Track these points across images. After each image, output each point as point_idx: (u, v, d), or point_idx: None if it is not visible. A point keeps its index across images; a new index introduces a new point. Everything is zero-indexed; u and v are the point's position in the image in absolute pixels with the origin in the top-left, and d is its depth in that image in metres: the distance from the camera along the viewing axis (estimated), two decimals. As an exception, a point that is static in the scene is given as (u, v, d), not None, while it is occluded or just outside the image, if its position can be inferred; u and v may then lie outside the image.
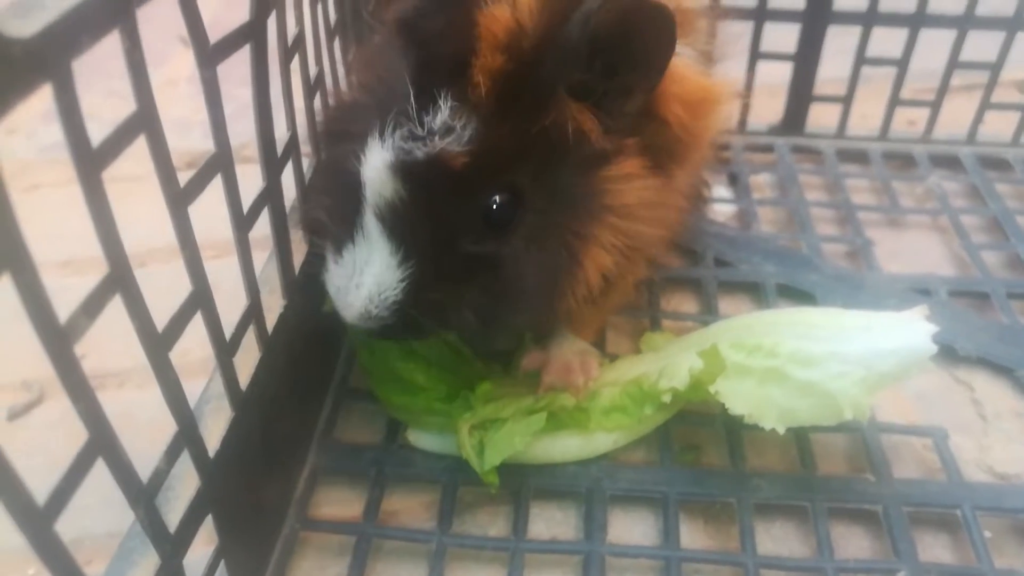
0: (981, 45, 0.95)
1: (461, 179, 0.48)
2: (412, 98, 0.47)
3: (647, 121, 0.53)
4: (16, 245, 0.28)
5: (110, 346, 0.35)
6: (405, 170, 0.48)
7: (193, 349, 0.48)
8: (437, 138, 0.47)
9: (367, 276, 0.50)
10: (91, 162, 0.32)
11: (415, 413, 0.64)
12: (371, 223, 0.50)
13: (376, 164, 0.49)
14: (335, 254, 0.52)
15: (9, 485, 0.29)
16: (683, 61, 0.56)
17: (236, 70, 0.48)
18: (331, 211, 0.54)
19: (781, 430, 0.59)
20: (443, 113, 0.47)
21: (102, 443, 0.35)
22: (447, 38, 0.48)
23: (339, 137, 0.56)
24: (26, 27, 0.27)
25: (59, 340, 0.31)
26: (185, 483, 0.45)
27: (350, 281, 0.51)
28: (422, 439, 0.65)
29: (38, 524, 0.31)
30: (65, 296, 0.32)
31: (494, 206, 0.50)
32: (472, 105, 0.47)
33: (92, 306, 0.33)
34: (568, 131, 0.49)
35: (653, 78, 0.51)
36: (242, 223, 0.48)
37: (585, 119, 0.50)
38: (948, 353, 0.74)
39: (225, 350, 0.47)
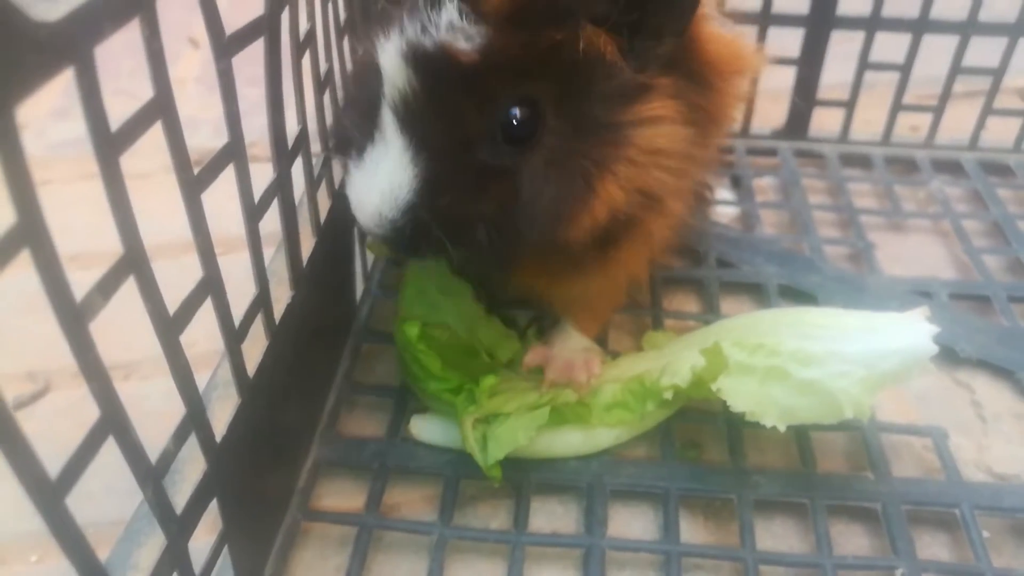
0: (984, 51, 0.95)
1: (473, 80, 0.48)
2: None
3: (681, 67, 0.54)
4: (36, 222, 0.29)
5: (117, 338, 0.35)
6: (416, 59, 0.48)
7: (199, 341, 0.49)
8: (445, 32, 0.48)
9: (381, 173, 0.50)
10: (110, 146, 0.33)
11: (429, 396, 0.65)
12: (387, 118, 0.50)
13: (390, 52, 0.49)
14: (357, 158, 0.52)
15: (23, 458, 0.30)
16: (715, 24, 0.57)
17: (246, 69, 0.49)
18: (356, 120, 0.54)
19: (782, 428, 0.59)
20: (449, 11, 0.48)
21: (113, 422, 0.36)
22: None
23: (360, 89, 0.57)
24: (52, 11, 0.28)
25: (75, 318, 0.32)
26: (192, 466, 0.46)
27: (363, 185, 0.51)
28: (425, 431, 0.66)
29: (50, 498, 0.32)
30: (74, 288, 0.32)
31: (513, 119, 0.50)
32: (483, 12, 0.48)
33: (107, 286, 0.34)
34: (588, 53, 0.49)
35: (681, 20, 0.51)
36: (253, 212, 0.48)
37: (604, 43, 0.50)
38: (949, 355, 0.74)
39: (234, 336, 0.47)
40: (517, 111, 0.50)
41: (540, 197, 0.51)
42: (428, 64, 0.48)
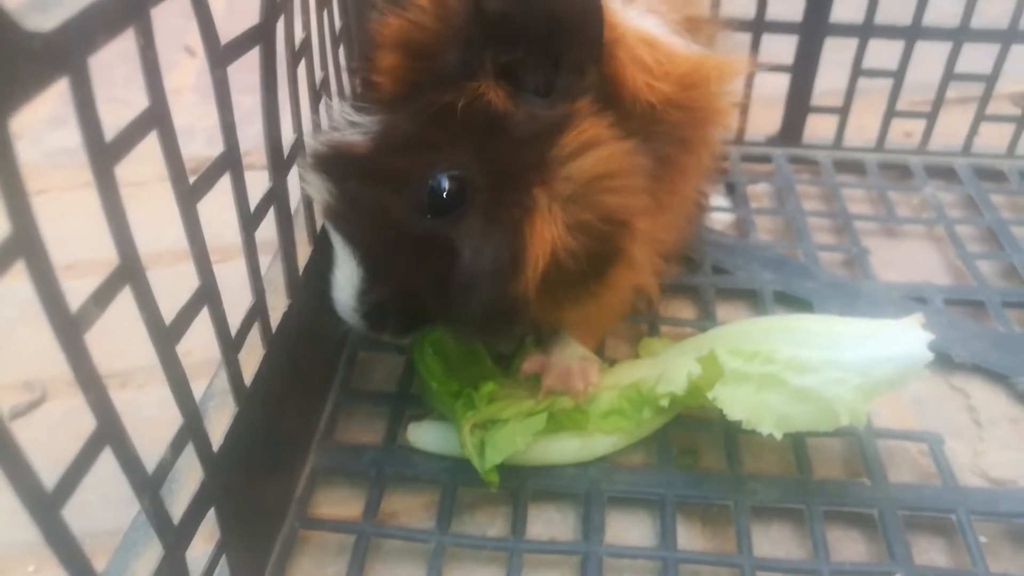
0: (976, 57, 0.96)
1: (381, 166, 0.51)
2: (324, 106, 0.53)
3: (612, 95, 0.53)
4: (31, 233, 0.29)
5: (111, 347, 0.35)
6: (319, 164, 0.52)
7: (195, 350, 0.49)
8: (338, 132, 0.52)
9: (338, 274, 0.55)
10: (104, 155, 0.33)
11: (434, 395, 0.65)
12: (328, 225, 0.55)
13: (304, 167, 0.53)
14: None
15: (18, 470, 0.30)
16: (672, 42, 0.57)
17: (241, 77, 0.49)
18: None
19: (778, 436, 0.59)
20: (342, 109, 0.52)
21: (110, 432, 0.36)
22: (355, 48, 0.53)
23: None
24: (45, 21, 0.28)
25: (70, 328, 0.32)
26: (189, 476, 0.46)
27: (330, 278, 0.55)
28: (422, 438, 0.66)
29: (46, 509, 0.32)
30: (70, 298, 0.32)
31: (437, 191, 0.50)
32: (374, 103, 0.52)
33: (102, 296, 0.34)
34: (488, 109, 0.50)
35: (592, 49, 0.51)
36: (249, 221, 0.48)
37: (495, 94, 0.50)
38: (944, 360, 0.75)
39: (230, 346, 0.47)
40: (440, 183, 0.50)
41: (479, 257, 0.51)
42: (332, 165, 0.52)
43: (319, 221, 0.65)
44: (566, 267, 0.52)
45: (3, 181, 0.27)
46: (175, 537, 0.43)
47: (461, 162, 0.51)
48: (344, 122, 0.52)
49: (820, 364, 0.60)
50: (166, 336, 0.40)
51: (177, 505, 0.44)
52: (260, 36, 0.48)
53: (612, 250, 0.54)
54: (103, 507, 0.54)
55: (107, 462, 0.36)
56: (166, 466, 0.42)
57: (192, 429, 0.44)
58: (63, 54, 0.29)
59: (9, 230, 0.28)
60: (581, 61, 0.51)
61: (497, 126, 0.50)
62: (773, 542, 0.62)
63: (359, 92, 0.53)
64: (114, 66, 0.32)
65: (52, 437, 0.71)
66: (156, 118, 0.37)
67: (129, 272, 0.36)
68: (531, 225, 0.50)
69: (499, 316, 0.55)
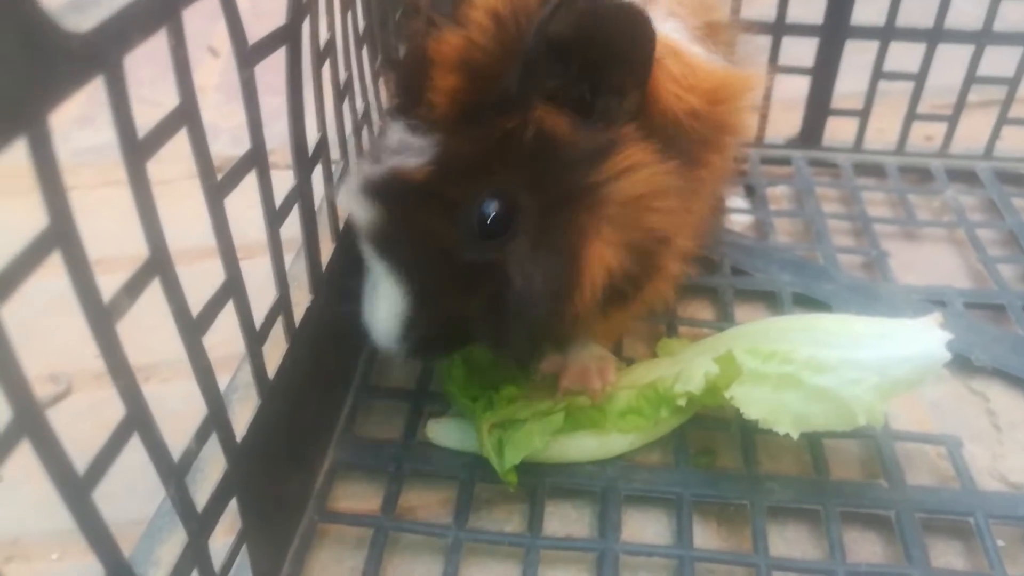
0: (999, 61, 0.95)
1: (433, 191, 0.50)
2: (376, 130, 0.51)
3: (646, 110, 0.53)
4: (67, 225, 0.30)
5: (136, 342, 0.36)
6: (373, 190, 0.51)
7: (217, 346, 0.50)
8: (394, 156, 0.50)
9: (378, 300, 0.54)
10: (137, 152, 0.34)
11: (453, 397, 0.66)
12: (368, 250, 0.54)
13: (347, 190, 0.52)
14: (365, 295, 0.56)
15: (52, 454, 0.31)
16: (693, 52, 0.57)
17: (265, 77, 0.50)
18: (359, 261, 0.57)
19: (795, 435, 0.59)
20: (397, 133, 0.51)
21: (138, 419, 0.37)
22: (406, 69, 0.53)
23: None
24: (83, 22, 0.29)
25: (103, 318, 0.33)
26: (213, 466, 0.47)
27: (369, 306, 0.55)
28: (441, 435, 0.66)
29: (78, 493, 0.33)
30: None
31: (487, 215, 0.50)
32: (431, 124, 0.50)
33: (133, 288, 0.35)
34: (546, 134, 0.50)
35: (639, 73, 0.51)
36: (274, 218, 0.49)
37: (555, 121, 0.50)
38: (963, 364, 0.74)
39: (255, 338, 0.48)
40: (489, 207, 0.51)
41: (532, 281, 0.51)
42: (387, 190, 0.51)
43: (342, 219, 0.66)
44: (612, 285, 0.53)
45: (42, 175, 0.28)
46: (199, 525, 0.44)
47: (512, 185, 0.51)
48: (400, 145, 0.50)
49: (837, 364, 0.60)
50: (193, 328, 0.41)
51: (201, 494, 0.45)
52: (287, 36, 0.49)
53: (654, 267, 0.56)
54: (128, 497, 0.54)
55: (132, 453, 0.37)
56: (191, 455, 0.43)
57: (217, 419, 0.45)
58: (99, 53, 0.30)
59: (46, 222, 0.29)
60: (624, 84, 0.51)
61: (549, 150, 0.50)
62: (789, 542, 0.62)
63: (410, 111, 0.51)
64: (141, 67, 0.33)
65: (77, 429, 0.72)
66: (186, 115, 0.38)
67: (159, 265, 0.37)
68: (586, 247, 0.51)
69: (548, 337, 0.56)
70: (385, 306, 0.53)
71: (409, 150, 0.50)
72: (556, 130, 0.50)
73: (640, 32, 0.49)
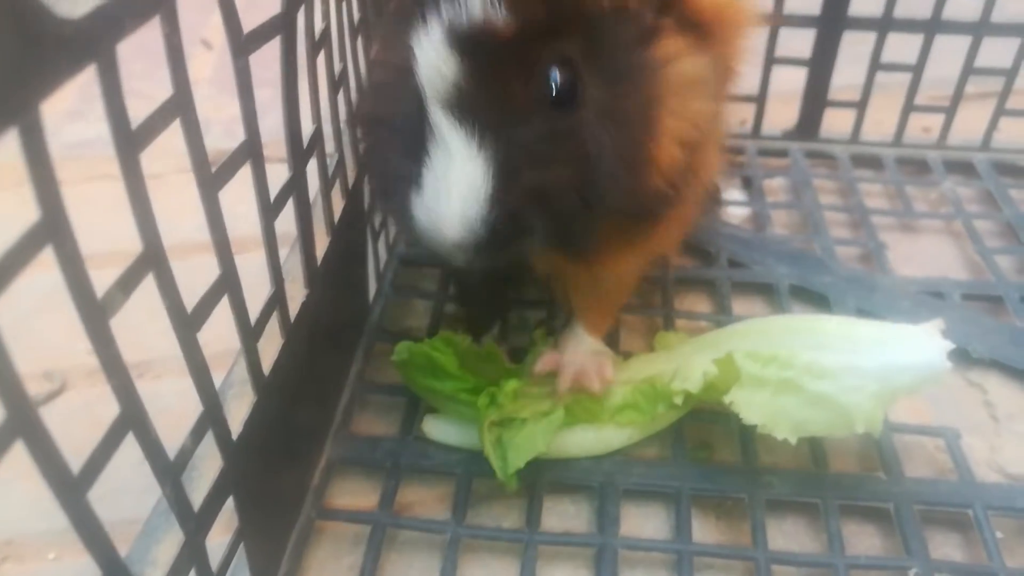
0: (996, 52, 0.95)
1: (514, 50, 0.47)
2: None
3: (674, 10, 0.54)
4: (59, 219, 0.29)
5: (128, 339, 0.36)
6: (461, 43, 0.47)
7: (210, 343, 0.49)
8: (479, 7, 0.46)
9: (453, 178, 0.48)
10: (130, 143, 0.33)
11: (440, 397, 0.65)
12: (439, 118, 0.48)
13: (431, 47, 0.47)
14: (415, 187, 0.50)
15: (46, 454, 0.30)
16: None
17: (256, 72, 0.49)
18: (400, 151, 0.52)
19: (793, 440, 0.59)
20: None
21: (133, 418, 0.36)
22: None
23: (384, 111, 0.55)
24: (76, 8, 0.28)
25: (97, 314, 0.32)
26: (208, 464, 0.46)
27: (438, 193, 0.48)
28: (438, 431, 0.66)
29: (72, 493, 0.32)
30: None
31: (555, 80, 0.49)
32: None
33: (127, 283, 0.35)
34: (611, 9, 0.50)
35: None
36: (269, 210, 0.49)
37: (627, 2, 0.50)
38: (961, 356, 0.74)
39: (250, 334, 0.48)
40: (557, 73, 0.49)
41: (606, 149, 0.50)
42: (474, 45, 0.47)
43: (337, 212, 0.66)
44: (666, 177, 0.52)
45: (33, 167, 0.27)
46: (195, 524, 0.43)
47: (575, 54, 0.50)
48: (484, 1, 0.46)
49: (837, 370, 0.60)
50: (188, 324, 0.40)
51: (197, 492, 0.44)
52: (282, 26, 0.48)
53: (695, 167, 0.55)
54: (122, 496, 0.54)
55: (126, 452, 0.36)
56: (187, 453, 0.42)
57: (212, 417, 0.44)
58: (92, 41, 0.29)
59: (38, 215, 0.29)
60: None
61: (603, 24, 0.50)
62: (788, 536, 0.62)
63: None
64: (133, 60, 0.32)
65: (71, 426, 0.71)
66: (180, 105, 0.37)
67: (153, 259, 0.36)
68: (658, 119, 0.51)
69: (623, 219, 0.54)
70: (462, 184, 0.47)
71: (493, 5, 0.46)
72: (612, 6, 0.50)
73: None
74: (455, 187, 0.47)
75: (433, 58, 0.47)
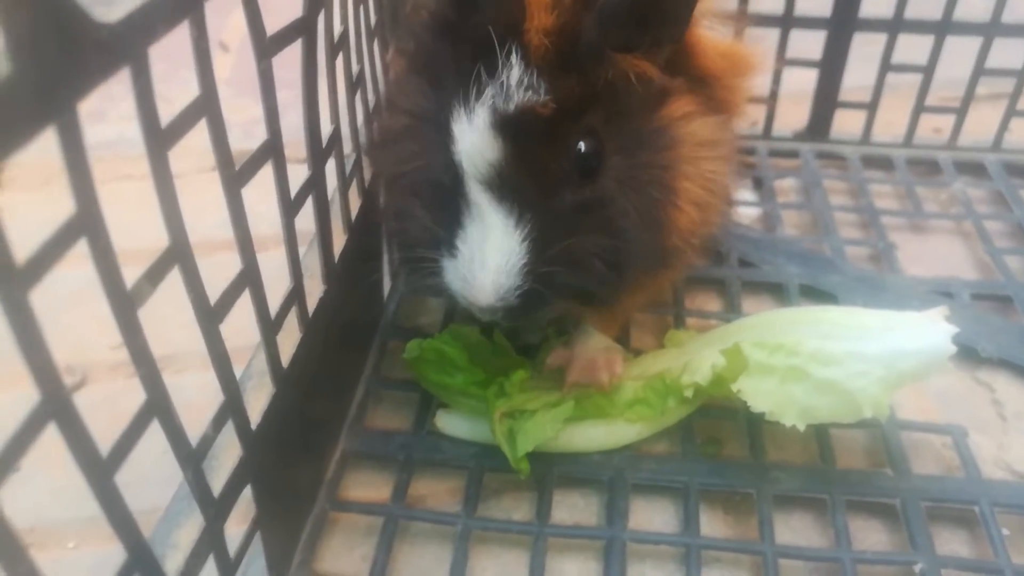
0: (1007, 53, 0.95)
1: (550, 128, 0.51)
2: (482, 66, 0.50)
3: (686, 70, 0.56)
4: (93, 213, 0.31)
5: (150, 334, 0.37)
6: (502, 125, 0.50)
7: (229, 337, 0.50)
8: (520, 91, 0.49)
9: (489, 249, 0.51)
10: (160, 141, 0.35)
11: (451, 392, 0.67)
12: (478, 195, 0.51)
13: (471, 130, 0.50)
14: (448, 251, 0.54)
15: (78, 436, 0.31)
16: (712, 31, 0.60)
17: (275, 72, 0.50)
18: (428, 219, 0.55)
19: (801, 427, 0.60)
20: (517, 69, 0.50)
21: (158, 405, 0.38)
22: (498, 8, 0.50)
23: (403, 162, 0.58)
24: (111, 13, 0.30)
25: (126, 304, 0.34)
26: (228, 453, 0.47)
27: (473, 263, 0.52)
28: (450, 425, 0.67)
29: (102, 475, 0.33)
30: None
31: (582, 152, 0.52)
32: (536, 61, 0.50)
33: (155, 275, 0.36)
34: (629, 78, 0.52)
35: (680, 29, 0.53)
36: (289, 208, 0.50)
37: (640, 64, 0.52)
38: (969, 354, 0.75)
39: (270, 327, 0.49)
40: (583, 145, 0.52)
41: (629, 215, 0.53)
42: (516, 129, 0.50)
43: (354, 211, 0.67)
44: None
45: (70, 163, 0.29)
46: (215, 509, 0.44)
47: (599, 123, 0.53)
48: (520, 83, 0.50)
49: (844, 356, 0.61)
50: (211, 315, 0.42)
51: (217, 480, 0.46)
52: (303, 29, 0.49)
53: (708, 221, 0.59)
54: (142, 486, 0.55)
55: (145, 444, 0.37)
56: (208, 440, 0.44)
57: (232, 406, 0.46)
58: (126, 44, 0.31)
59: (73, 209, 0.30)
60: (662, 37, 0.53)
61: (623, 93, 0.52)
62: (795, 531, 0.63)
63: (522, 52, 0.50)
64: (154, 63, 0.33)
65: (93, 419, 0.73)
66: (207, 105, 0.39)
67: (179, 253, 0.38)
68: (677, 181, 0.54)
69: (643, 279, 0.58)
70: (497, 256, 0.51)
71: (530, 87, 0.50)
72: (645, 74, 0.52)
73: None
74: (491, 260, 0.51)
75: (476, 142, 0.50)
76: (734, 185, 0.67)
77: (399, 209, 0.59)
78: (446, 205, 0.53)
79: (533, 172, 0.51)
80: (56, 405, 0.30)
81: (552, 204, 0.52)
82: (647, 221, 0.54)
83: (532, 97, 0.49)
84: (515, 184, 0.51)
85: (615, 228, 0.53)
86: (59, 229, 0.29)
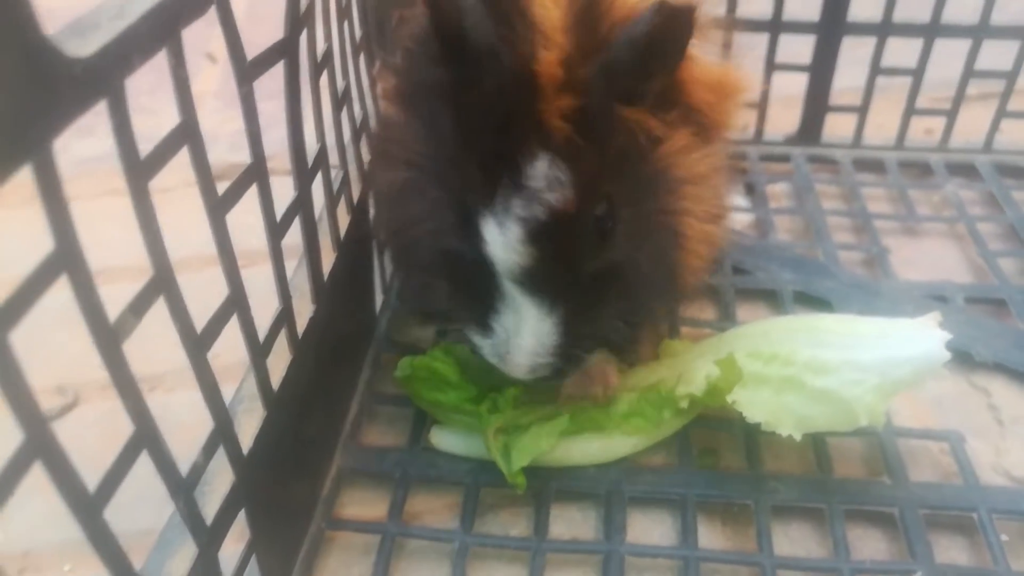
0: (996, 54, 0.95)
1: (574, 215, 0.50)
2: (501, 166, 0.49)
3: (679, 99, 0.55)
4: (74, 250, 0.30)
5: (140, 352, 0.37)
6: (532, 236, 0.50)
7: (222, 353, 0.50)
8: (548, 194, 0.49)
9: (525, 335, 0.53)
10: (139, 172, 0.34)
11: (444, 409, 0.66)
12: (511, 290, 0.53)
13: (504, 242, 0.50)
14: (479, 328, 0.56)
15: (63, 474, 0.31)
16: (699, 52, 0.58)
17: (263, 83, 0.50)
18: (456, 296, 0.57)
19: (798, 437, 0.60)
20: (542, 168, 0.49)
21: (147, 437, 0.37)
22: (508, 95, 0.49)
23: (410, 222, 0.58)
24: (85, 47, 0.29)
25: (109, 338, 0.33)
26: (220, 478, 0.47)
27: (509, 346, 0.54)
28: (445, 441, 0.67)
29: (89, 511, 0.33)
30: (103, 304, 0.33)
31: (599, 220, 0.52)
32: (556, 149, 0.49)
33: (139, 306, 0.36)
34: (637, 136, 0.51)
35: (673, 62, 0.52)
36: (275, 231, 0.50)
37: (645, 119, 0.51)
38: (965, 359, 0.75)
39: (259, 352, 0.49)
40: (599, 212, 0.52)
41: (643, 268, 0.54)
42: (546, 232, 0.50)
43: (343, 228, 0.67)
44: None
45: (47, 200, 0.28)
46: (208, 537, 0.44)
47: (610, 184, 0.52)
48: (547, 182, 0.49)
49: (838, 365, 0.61)
50: (198, 344, 0.41)
51: (209, 506, 0.45)
52: (284, 51, 0.49)
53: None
54: (138, 507, 0.55)
55: (141, 463, 0.37)
56: (199, 469, 0.43)
57: (223, 433, 0.45)
58: (102, 78, 0.30)
59: (53, 246, 0.30)
60: (653, 69, 0.52)
61: (630, 144, 0.52)
62: (793, 541, 0.62)
63: (542, 142, 0.49)
64: (140, 75, 0.33)
65: (85, 440, 0.72)
66: (187, 134, 0.38)
67: (163, 283, 0.37)
68: (686, 224, 0.55)
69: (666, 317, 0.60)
70: (532, 342, 0.53)
71: (557, 183, 0.49)
72: (635, 126, 0.52)
73: (687, 26, 0.50)
74: (527, 344, 0.54)
75: (508, 251, 0.51)
76: (728, 198, 0.67)
77: (420, 282, 0.61)
78: (475, 285, 0.54)
79: (562, 262, 0.52)
80: (40, 443, 0.29)
81: (578, 282, 0.53)
82: (660, 270, 0.55)
83: (560, 194, 0.49)
84: (546, 278, 0.52)
85: (632, 288, 0.55)
86: (38, 266, 0.29)
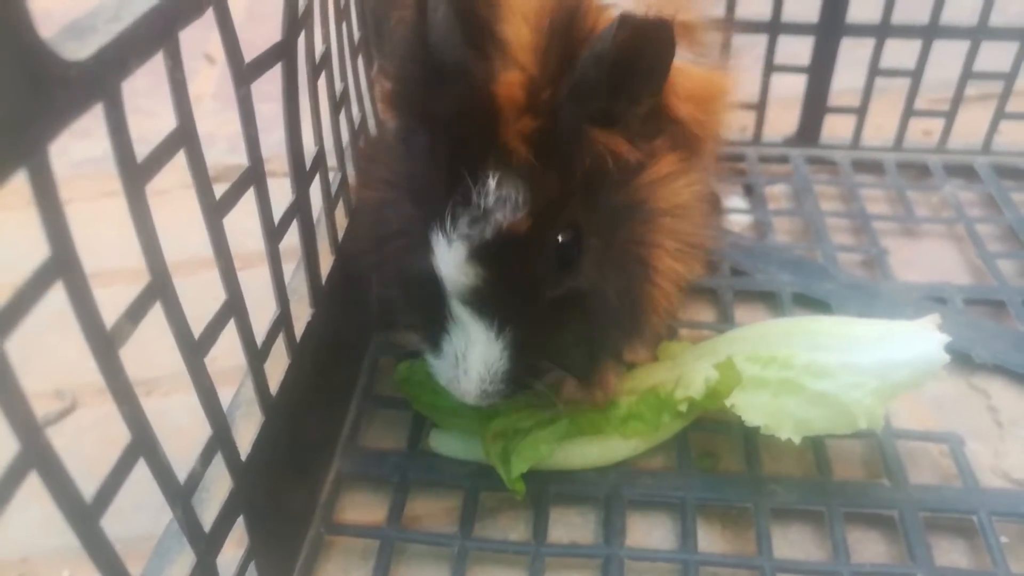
0: (995, 55, 0.95)
1: (529, 237, 0.49)
2: (456, 185, 0.48)
3: (666, 122, 0.55)
4: (69, 256, 0.30)
5: (137, 356, 0.36)
6: (479, 255, 0.49)
7: (220, 357, 0.50)
8: (497, 213, 0.48)
9: (472, 360, 0.53)
10: (136, 175, 0.34)
11: (443, 413, 0.66)
12: (459, 310, 0.52)
13: (450, 259, 0.50)
14: (432, 348, 0.55)
15: (60, 483, 0.31)
16: (684, 61, 0.57)
17: (261, 85, 0.50)
18: (411, 308, 0.57)
19: (797, 440, 0.60)
20: (492, 188, 0.48)
21: (144, 444, 0.37)
22: (469, 116, 0.49)
23: (383, 239, 0.57)
24: (81, 50, 0.29)
25: (106, 345, 0.33)
26: (218, 485, 0.47)
27: (457, 370, 0.54)
28: (444, 445, 0.66)
29: (86, 520, 0.33)
30: (99, 307, 0.33)
31: (561, 244, 0.51)
32: (515, 170, 0.49)
33: (135, 312, 0.35)
34: (607, 161, 0.50)
35: (657, 83, 0.52)
36: (273, 235, 0.49)
37: (617, 143, 0.50)
38: (964, 360, 0.75)
39: (256, 356, 0.48)
40: (562, 236, 0.51)
41: (608, 300, 0.52)
42: (492, 252, 0.49)
43: (340, 230, 0.66)
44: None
45: (43, 206, 0.28)
46: (206, 544, 0.44)
47: (578, 213, 0.51)
48: (496, 201, 0.48)
49: (837, 368, 0.61)
50: (195, 349, 0.41)
51: (207, 513, 0.45)
52: (282, 53, 0.49)
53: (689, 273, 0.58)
54: (135, 513, 0.55)
55: (139, 469, 0.37)
56: (196, 476, 0.43)
57: (221, 440, 0.45)
58: (98, 81, 0.30)
59: (49, 252, 0.29)
60: (640, 92, 0.51)
61: (601, 171, 0.51)
62: (793, 544, 0.62)
63: (499, 163, 0.49)
64: (137, 77, 0.33)
65: (83, 444, 0.73)
66: (184, 137, 0.38)
67: (160, 289, 0.37)
68: (656, 258, 0.53)
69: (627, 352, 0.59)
70: (480, 367, 0.53)
71: (508, 204, 0.48)
72: (621, 153, 0.51)
73: (668, 46, 0.49)
74: (474, 369, 0.53)
75: (455, 268, 0.50)
76: (709, 227, 0.65)
77: (383, 295, 0.60)
78: (428, 303, 0.54)
79: (513, 285, 0.51)
80: (36, 454, 0.29)
81: (532, 307, 0.52)
82: (626, 303, 0.54)
83: (511, 215, 0.48)
84: (495, 299, 0.51)
85: (594, 317, 0.53)
86: (34, 273, 0.29)
